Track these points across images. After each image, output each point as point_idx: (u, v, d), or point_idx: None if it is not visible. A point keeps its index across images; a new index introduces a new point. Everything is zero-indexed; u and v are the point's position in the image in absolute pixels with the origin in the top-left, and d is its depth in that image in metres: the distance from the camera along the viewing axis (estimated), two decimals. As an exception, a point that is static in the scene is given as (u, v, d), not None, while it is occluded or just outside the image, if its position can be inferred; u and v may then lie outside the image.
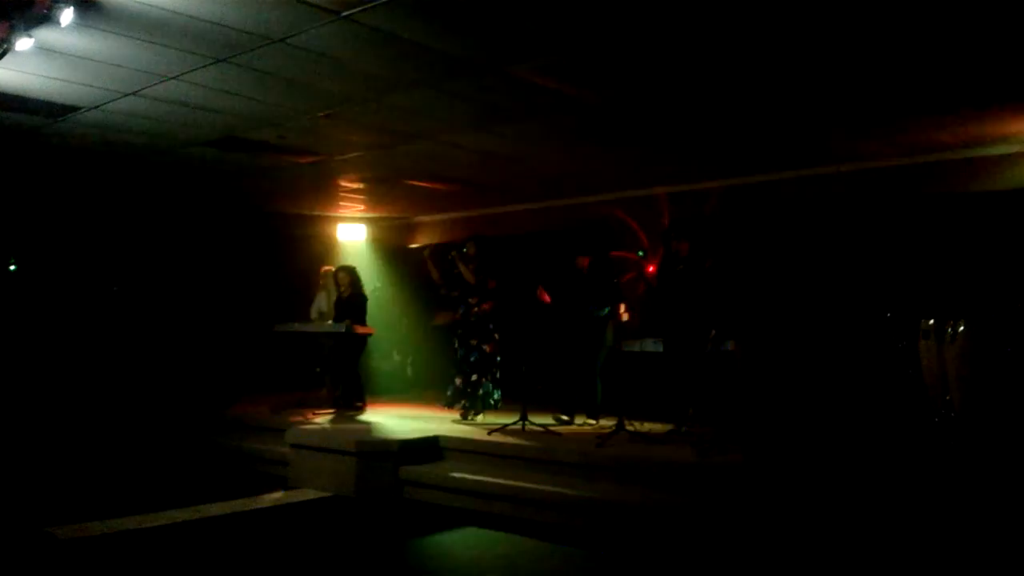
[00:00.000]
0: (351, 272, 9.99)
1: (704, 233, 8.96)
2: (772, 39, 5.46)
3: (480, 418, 8.96)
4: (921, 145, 8.35)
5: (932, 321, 7.34)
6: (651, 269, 9.43)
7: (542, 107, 7.07)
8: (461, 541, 6.45)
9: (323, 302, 10.72)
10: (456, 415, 9.13)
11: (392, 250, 13.71)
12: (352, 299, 9.79)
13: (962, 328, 7.11)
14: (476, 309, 9.05)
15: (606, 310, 8.77)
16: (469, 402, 9.04)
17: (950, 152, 8.49)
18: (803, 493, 5.87)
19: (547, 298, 8.79)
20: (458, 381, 9.14)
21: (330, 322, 10.13)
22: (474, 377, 9.05)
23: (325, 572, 5.72)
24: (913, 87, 6.48)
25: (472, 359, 9.06)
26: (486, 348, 9.05)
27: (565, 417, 8.77)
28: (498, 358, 9.14)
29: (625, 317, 8.79)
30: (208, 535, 6.50)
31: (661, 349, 8.23)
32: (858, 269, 8.74)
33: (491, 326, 9.06)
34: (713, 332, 7.75)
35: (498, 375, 9.13)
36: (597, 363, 8.82)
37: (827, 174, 9.33)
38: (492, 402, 9.06)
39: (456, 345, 9.24)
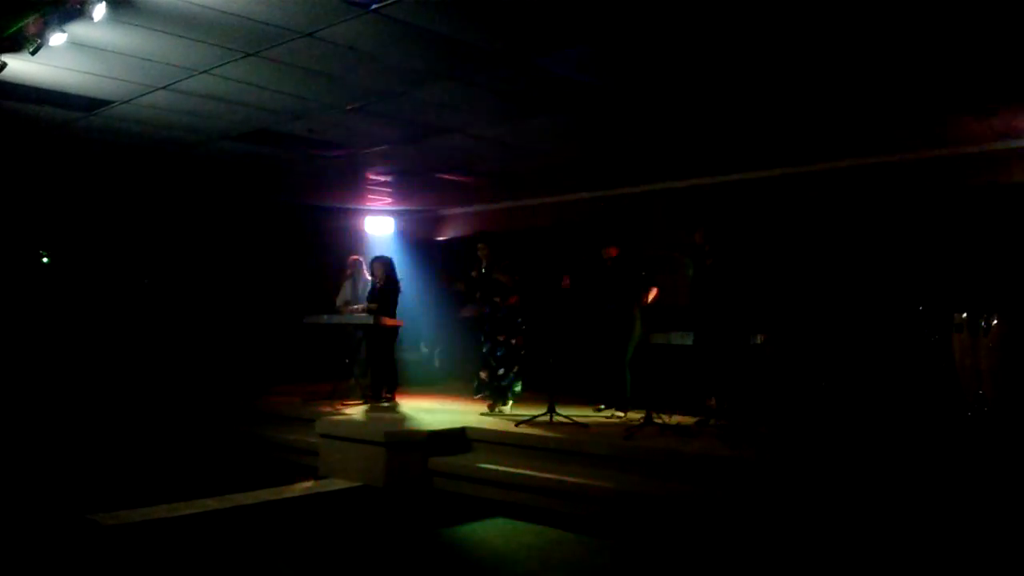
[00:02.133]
0: (385, 263, 9.99)
1: (731, 227, 8.91)
2: (812, 25, 5.41)
3: (507, 409, 8.99)
4: (953, 137, 8.24)
5: (965, 314, 7.25)
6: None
7: (569, 99, 7.05)
8: (490, 531, 6.47)
9: (348, 291, 10.77)
10: (483, 406, 9.18)
11: (419, 242, 13.76)
12: (385, 290, 9.81)
13: (996, 321, 7.02)
14: (500, 301, 9.10)
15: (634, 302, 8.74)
16: (495, 394, 9.09)
17: (984, 144, 8.38)
18: (834, 487, 5.83)
19: (567, 282, 8.84)
20: (483, 375, 9.19)
21: (359, 306, 10.18)
22: (501, 371, 9.09)
23: (355, 561, 5.77)
24: (946, 79, 6.39)
25: (499, 353, 9.10)
26: (514, 342, 9.09)
27: (619, 410, 8.73)
28: (523, 352, 9.19)
29: (652, 296, 8.73)
30: (239, 523, 6.57)
31: (689, 342, 8.20)
32: (890, 262, 8.66)
33: (519, 320, 9.10)
34: (743, 326, 7.72)
35: (518, 369, 9.17)
36: (626, 355, 8.79)
37: (858, 166, 9.25)
38: (512, 395, 9.11)
39: (482, 339, 9.27)
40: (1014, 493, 5.34)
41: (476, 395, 9.33)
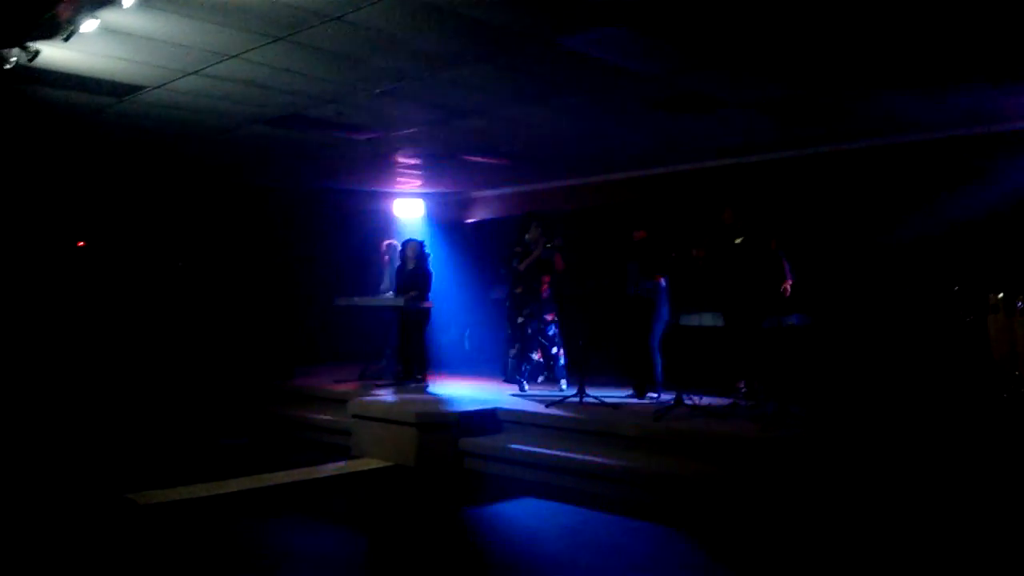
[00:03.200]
0: (417, 246, 10.06)
1: (760, 207, 8.84)
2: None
3: (564, 386, 9.06)
4: (986, 114, 8.09)
5: (1001, 295, 7.15)
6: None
7: (597, 80, 7.01)
8: (520, 511, 6.52)
9: (390, 275, 10.83)
10: (512, 388, 9.24)
11: (449, 225, 13.79)
12: (416, 272, 9.86)
13: (1033, 301, 6.92)
14: (544, 280, 9.15)
15: (662, 283, 8.70)
16: (553, 373, 9.19)
17: (1015, 121, 8.22)
18: (866, 468, 5.80)
19: (561, 265, 9.07)
20: (536, 355, 9.23)
21: (390, 294, 10.26)
22: (554, 349, 9.19)
23: (387, 538, 5.84)
24: (986, 53, 6.27)
25: (550, 332, 9.20)
26: (556, 320, 9.17)
27: (652, 391, 8.70)
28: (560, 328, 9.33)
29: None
30: (274, 501, 6.68)
31: (720, 323, 8.15)
32: (925, 242, 8.54)
33: (555, 299, 9.20)
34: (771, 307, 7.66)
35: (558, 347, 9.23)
36: (653, 337, 8.74)
37: (892, 145, 9.12)
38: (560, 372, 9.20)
39: (521, 321, 9.28)
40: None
41: (529, 380, 9.32)
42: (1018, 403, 6.93)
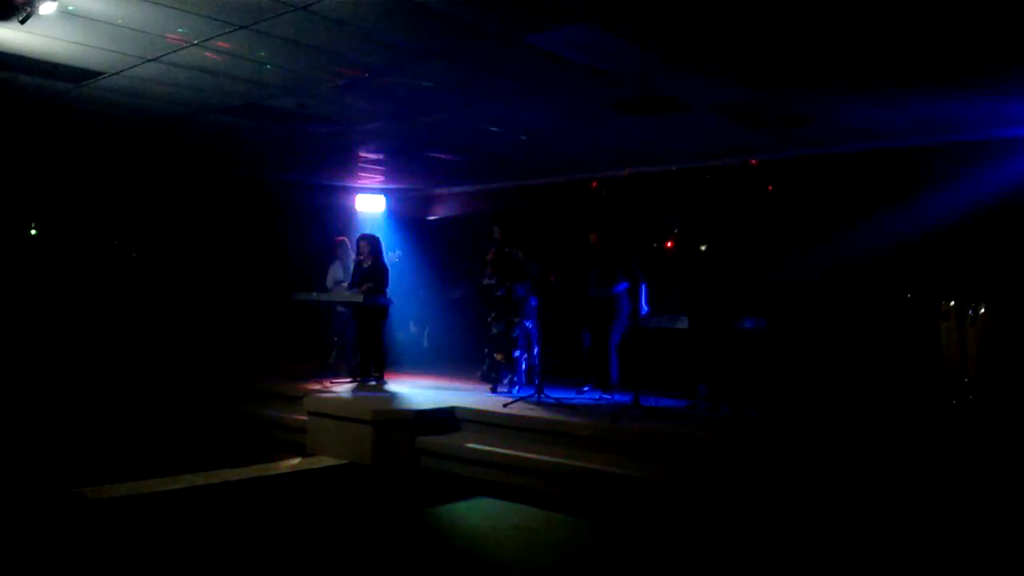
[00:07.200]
0: (372, 241, 9.93)
1: (718, 211, 8.94)
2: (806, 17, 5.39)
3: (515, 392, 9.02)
4: (941, 124, 8.25)
5: (953, 303, 7.29)
6: (669, 245, 9.39)
7: (561, 80, 7.02)
8: (475, 510, 6.50)
9: (338, 271, 10.77)
10: (473, 385, 9.21)
11: (410, 222, 13.73)
12: (372, 268, 9.76)
13: (983, 310, 7.06)
14: (513, 283, 9.12)
15: (623, 286, 8.77)
16: (512, 377, 9.12)
17: (974, 132, 8.40)
18: (818, 471, 5.88)
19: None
20: (499, 356, 9.17)
21: (344, 285, 10.18)
22: (516, 352, 9.11)
23: (340, 538, 5.79)
24: (932, 66, 6.39)
25: (514, 335, 9.11)
26: (528, 324, 9.13)
27: (586, 388, 8.79)
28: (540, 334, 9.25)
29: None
30: (226, 499, 6.59)
31: (677, 326, 8.22)
32: (880, 249, 8.68)
33: (532, 303, 9.11)
34: (734, 310, 7.74)
35: (536, 351, 9.16)
36: (612, 339, 8.81)
37: (850, 153, 9.26)
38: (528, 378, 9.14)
39: (490, 320, 9.27)
40: (994, 478, 5.40)
41: (486, 379, 9.32)
42: (966, 410, 7.08)
